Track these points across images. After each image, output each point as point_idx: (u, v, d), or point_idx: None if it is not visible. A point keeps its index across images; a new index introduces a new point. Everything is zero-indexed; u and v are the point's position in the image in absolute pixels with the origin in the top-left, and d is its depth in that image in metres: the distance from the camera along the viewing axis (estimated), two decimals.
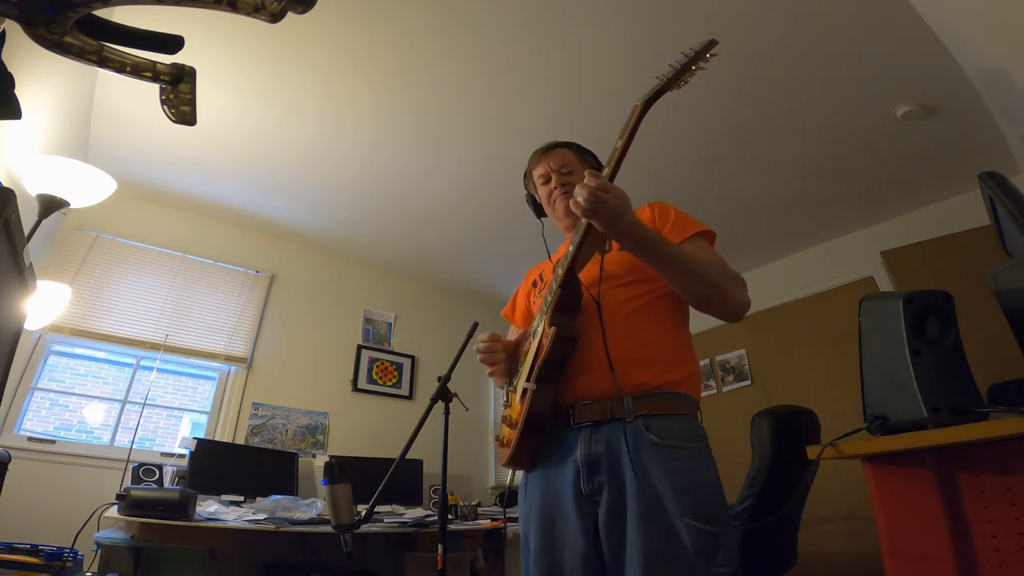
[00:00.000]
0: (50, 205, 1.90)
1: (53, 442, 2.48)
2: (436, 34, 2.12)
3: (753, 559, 1.59)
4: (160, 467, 2.40)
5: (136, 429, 2.60)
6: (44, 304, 2.21)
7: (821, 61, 2.22)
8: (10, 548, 1.60)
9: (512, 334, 1.39)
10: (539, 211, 1.41)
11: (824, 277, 3.59)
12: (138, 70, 1.13)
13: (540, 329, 1.09)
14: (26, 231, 1.35)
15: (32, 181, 1.87)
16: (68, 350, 2.77)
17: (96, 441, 2.66)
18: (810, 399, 2.38)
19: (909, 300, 0.92)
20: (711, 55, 0.96)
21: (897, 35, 2.06)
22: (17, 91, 1.11)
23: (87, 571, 1.99)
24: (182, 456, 2.64)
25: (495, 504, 3.56)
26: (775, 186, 3.09)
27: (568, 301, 1.09)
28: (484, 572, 2.89)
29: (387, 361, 3.76)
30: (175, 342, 2.98)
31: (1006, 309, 1.00)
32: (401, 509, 2.83)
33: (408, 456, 1.60)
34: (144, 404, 2.75)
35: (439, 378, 1.75)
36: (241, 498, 2.50)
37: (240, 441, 2.96)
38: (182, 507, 1.96)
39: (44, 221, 1.90)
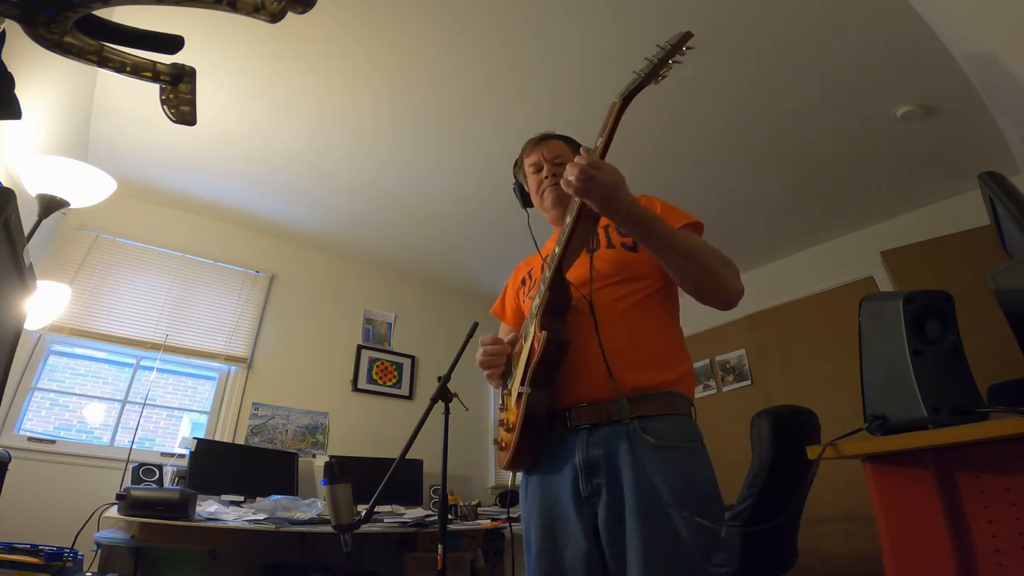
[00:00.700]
0: (50, 205, 1.90)
1: (53, 442, 2.48)
2: (436, 34, 2.12)
3: (753, 559, 1.59)
4: (160, 467, 2.40)
5: (136, 429, 2.60)
6: (44, 304, 2.21)
7: (821, 61, 2.22)
8: (10, 548, 1.60)
9: (503, 332, 1.38)
10: (526, 201, 1.39)
11: (824, 277, 3.58)
12: (138, 70, 1.13)
13: (532, 332, 1.08)
14: (26, 231, 1.35)
15: (32, 181, 1.87)
16: (68, 350, 2.77)
17: (96, 441, 2.66)
18: (810, 399, 2.38)
19: (909, 300, 0.92)
20: (687, 48, 0.94)
21: (897, 35, 2.06)
22: (17, 91, 1.11)
23: (87, 571, 1.99)
24: (182, 456, 2.64)
25: (495, 504, 3.55)
26: (775, 186, 3.08)
27: (558, 303, 1.07)
28: (484, 572, 2.89)
29: (387, 361, 3.76)
30: (175, 342, 2.98)
31: (1006, 309, 1.00)
32: (401, 509, 2.83)
33: (408, 456, 1.59)
34: (144, 404, 2.75)
35: (439, 378, 1.75)
36: (241, 498, 2.50)
37: (240, 441, 2.96)
38: (182, 507, 1.96)
39: (44, 221, 1.90)
